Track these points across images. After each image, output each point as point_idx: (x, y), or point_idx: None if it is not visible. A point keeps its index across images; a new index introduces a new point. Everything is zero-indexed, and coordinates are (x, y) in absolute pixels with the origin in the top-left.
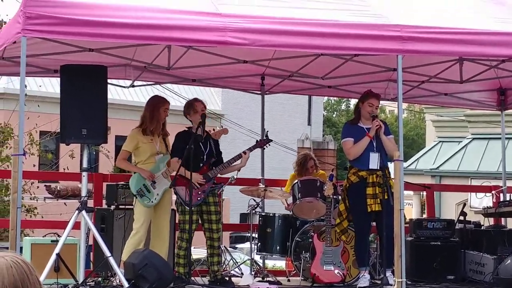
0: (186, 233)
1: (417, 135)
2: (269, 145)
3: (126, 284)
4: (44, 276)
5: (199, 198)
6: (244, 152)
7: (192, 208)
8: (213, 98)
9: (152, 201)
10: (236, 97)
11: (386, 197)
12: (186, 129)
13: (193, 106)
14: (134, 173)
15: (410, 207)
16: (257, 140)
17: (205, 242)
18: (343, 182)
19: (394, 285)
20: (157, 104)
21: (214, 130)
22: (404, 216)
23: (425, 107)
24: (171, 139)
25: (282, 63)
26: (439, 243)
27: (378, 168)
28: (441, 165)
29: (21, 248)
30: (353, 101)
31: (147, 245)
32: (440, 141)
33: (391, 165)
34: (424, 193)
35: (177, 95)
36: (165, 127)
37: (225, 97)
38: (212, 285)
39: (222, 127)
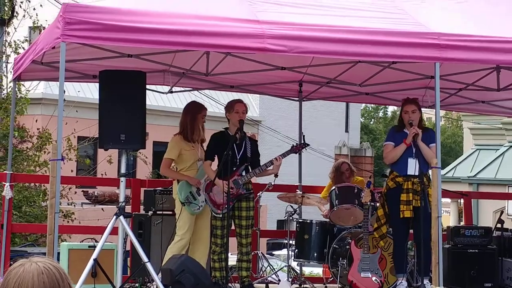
0: (218, 238)
1: (455, 143)
2: (306, 149)
3: None
4: (82, 282)
5: (227, 206)
6: (276, 159)
7: (225, 214)
8: (250, 104)
9: (199, 208)
10: (274, 104)
11: (422, 204)
12: (223, 129)
13: (233, 106)
14: (178, 181)
15: (447, 215)
16: (292, 145)
17: (237, 247)
18: (381, 189)
19: None
20: (196, 111)
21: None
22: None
23: (462, 115)
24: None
25: (320, 70)
26: (476, 250)
27: (416, 174)
28: (478, 172)
29: (58, 253)
30: (391, 108)
31: (187, 251)
32: (477, 149)
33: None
34: (462, 200)
35: (215, 101)
36: (203, 133)
37: (262, 104)
38: None
39: (250, 132)
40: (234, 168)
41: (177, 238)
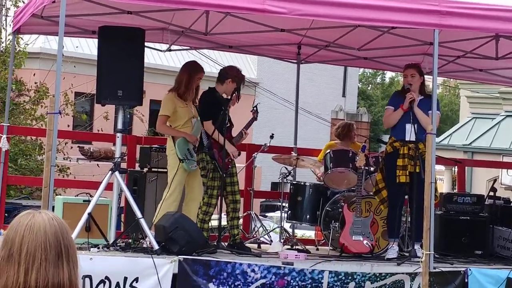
0: (214, 199)
1: (452, 111)
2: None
3: (156, 246)
4: (75, 235)
5: (229, 166)
6: (246, 132)
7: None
8: (248, 65)
9: (195, 166)
10: (272, 66)
11: (417, 170)
12: (211, 88)
13: (241, 79)
14: (173, 138)
15: (441, 182)
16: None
17: (227, 207)
18: (375, 153)
19: (422, 258)
20: (194, 72)
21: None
22: (436, 189)
23: (460, 83)
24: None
25: (319, 33)
26: (468, 218)
27: (413, 140)
28: (473, 141)
29: (53, 207)
30: (389, 74)
31: (180, 209)
32: (473, 117)
33: None
34: (456, 168)
35: (212, 61)
36: (198, 94)
37: (260, 65)
38: (240, 251)
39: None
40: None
41: (167, 195)
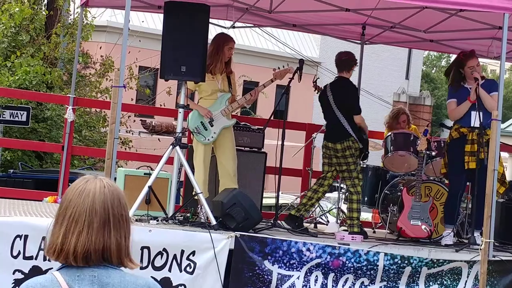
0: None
1: None
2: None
3: (213, 221)
4: (136, 207)
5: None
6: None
7: None
8: (311, 45)
9: (208, 139)
10: (335, 46)
11: (482, 156)
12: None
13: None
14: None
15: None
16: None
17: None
18: (437, 138)
19: (481, 245)
20: (222, 43)
21: (278, 68)
22: (504, 175)
23: None
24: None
25: (385, 13)
26: None
27: (478, 126)
28: None
29: (115, 178)
30: (454, 57)
31: (213, 185)
32: None
33: None
34: None
35: (275, 39)
36: (229, 66)
37: (323, 45)
38: (296, 230)
39: (288, 65)
40: None
41: (195, 170)
